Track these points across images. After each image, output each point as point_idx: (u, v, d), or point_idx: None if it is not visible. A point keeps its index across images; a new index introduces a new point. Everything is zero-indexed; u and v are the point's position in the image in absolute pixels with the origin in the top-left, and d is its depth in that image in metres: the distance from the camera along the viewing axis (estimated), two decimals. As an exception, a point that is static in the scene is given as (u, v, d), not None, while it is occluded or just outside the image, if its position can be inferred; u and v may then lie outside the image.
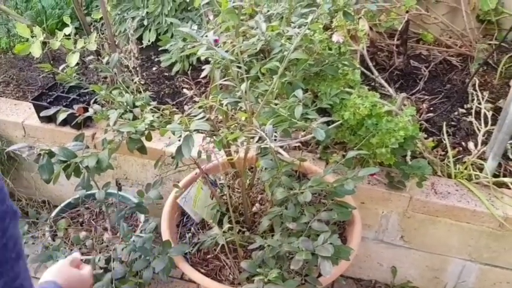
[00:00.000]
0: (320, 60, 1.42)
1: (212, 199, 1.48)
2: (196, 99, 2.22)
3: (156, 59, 2.39)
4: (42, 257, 1.43)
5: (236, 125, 1.11)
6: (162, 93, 2.18)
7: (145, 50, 2.40)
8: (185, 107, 1.99)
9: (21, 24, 1.77)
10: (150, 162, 1.88)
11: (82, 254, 1.57)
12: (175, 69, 2.29)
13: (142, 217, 1.75)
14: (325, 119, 1.09)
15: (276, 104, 1.14)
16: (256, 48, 1.15)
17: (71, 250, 1.59)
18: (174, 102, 2.09)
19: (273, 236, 1.21)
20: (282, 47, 1.23)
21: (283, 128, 1.08)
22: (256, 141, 1.14)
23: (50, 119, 1.89)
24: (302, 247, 1.09)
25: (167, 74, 2.32)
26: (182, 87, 2.25)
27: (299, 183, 1.24)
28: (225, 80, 1.18)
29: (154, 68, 2.37)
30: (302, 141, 1.18)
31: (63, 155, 1.20)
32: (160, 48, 2.34)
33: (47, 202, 2.12)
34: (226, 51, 1.14)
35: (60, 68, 1.34)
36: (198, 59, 2.24)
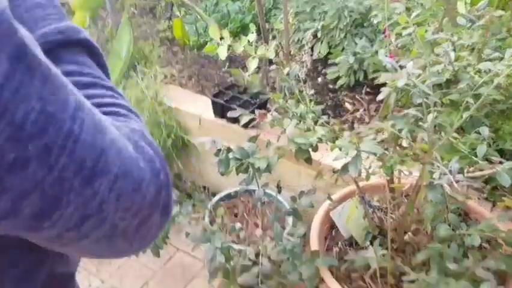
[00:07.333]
0: (507, 96, 1.33)
1: (364, 220, 1.49)
2: (358, 114, 2.26)
3: (323, 71, 2.46)
4: (202, 239, 1.59)
5: (409, 153, 1.10)
6: (324, 104, 2.24)
7: (313, 61, 2.50)
8: (355, 125, 2.02)
9: (214, 27, 1.98)
10: (305, 170, 1.95)
11: (234, 243, 1.70)
12: (339, 82, 2.33)
13: (290, 220, 1.83)
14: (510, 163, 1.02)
15: (455, 138, 1.10)
16: (443, 78, 1.13)
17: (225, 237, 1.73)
18: (341, 118, 2.13)
19: (427, 272, 1.17)
20: (470, 80, 1.18)
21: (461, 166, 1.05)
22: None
23: (223, 115, 2.09)
24: (461, 291, 1.04)
25: (331, 87, 2.37)
26: (345, 101, 2.29)
27: (465, 223, 1.18)
28: (402, 107, 1.18)
29: (319, 79, 2.44)
30: (477, 177, 1.13)
31: (239, 154, 1.33)
32: (328, 61, 2.44)
33: (206, 188, 2.34)
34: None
35: (247, 73, 1.48)
36: (365, 76, 2.25)
